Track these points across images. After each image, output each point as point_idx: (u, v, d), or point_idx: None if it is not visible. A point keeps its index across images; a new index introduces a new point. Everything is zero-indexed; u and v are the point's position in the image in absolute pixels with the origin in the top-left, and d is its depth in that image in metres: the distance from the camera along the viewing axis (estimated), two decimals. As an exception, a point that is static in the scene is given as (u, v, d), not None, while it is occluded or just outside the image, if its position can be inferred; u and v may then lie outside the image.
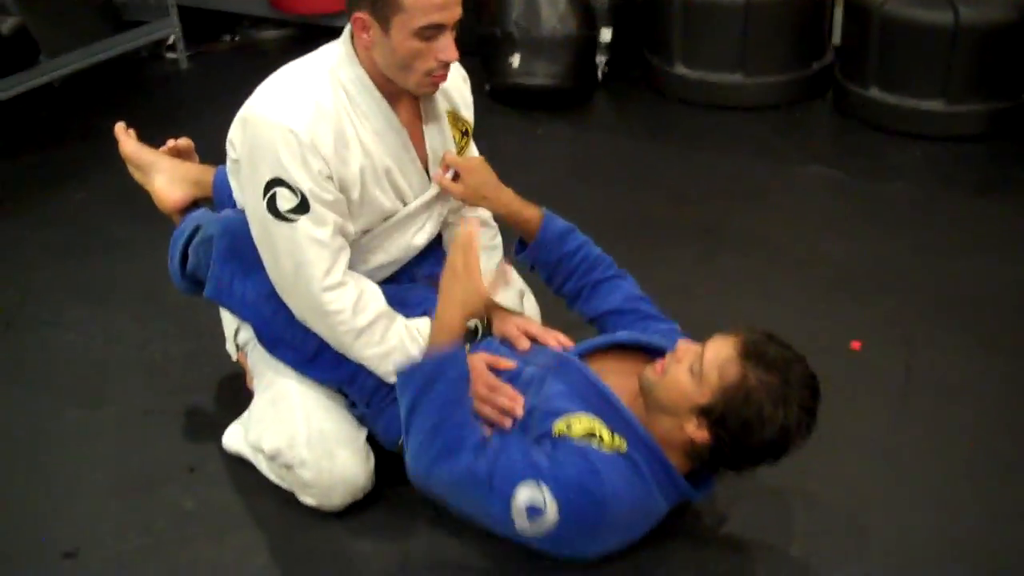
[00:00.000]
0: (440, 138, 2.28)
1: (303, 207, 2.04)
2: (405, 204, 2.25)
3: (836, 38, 4.21)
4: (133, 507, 2.32)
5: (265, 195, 2.04)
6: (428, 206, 2.30)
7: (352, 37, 2.11)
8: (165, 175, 2.58)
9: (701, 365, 1.97)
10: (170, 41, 4.70)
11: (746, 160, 3.77)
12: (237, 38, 4.98)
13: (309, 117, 2.03)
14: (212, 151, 2.55)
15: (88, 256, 3.27)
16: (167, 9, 4.61)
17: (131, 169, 2.64)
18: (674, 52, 4.15)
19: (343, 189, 2.09)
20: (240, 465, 2.39)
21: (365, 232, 2.21)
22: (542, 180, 3.62)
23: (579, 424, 2.05)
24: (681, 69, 4.16)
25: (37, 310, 3.02)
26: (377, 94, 2.12)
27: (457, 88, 2.31)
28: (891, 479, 2.35)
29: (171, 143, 2.65)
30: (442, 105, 2.27)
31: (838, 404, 2.52)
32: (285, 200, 2.04)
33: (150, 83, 4.60)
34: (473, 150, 2.42)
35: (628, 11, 4.34)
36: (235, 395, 2.56)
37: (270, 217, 2.05)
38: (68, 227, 3.45)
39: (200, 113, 4.10)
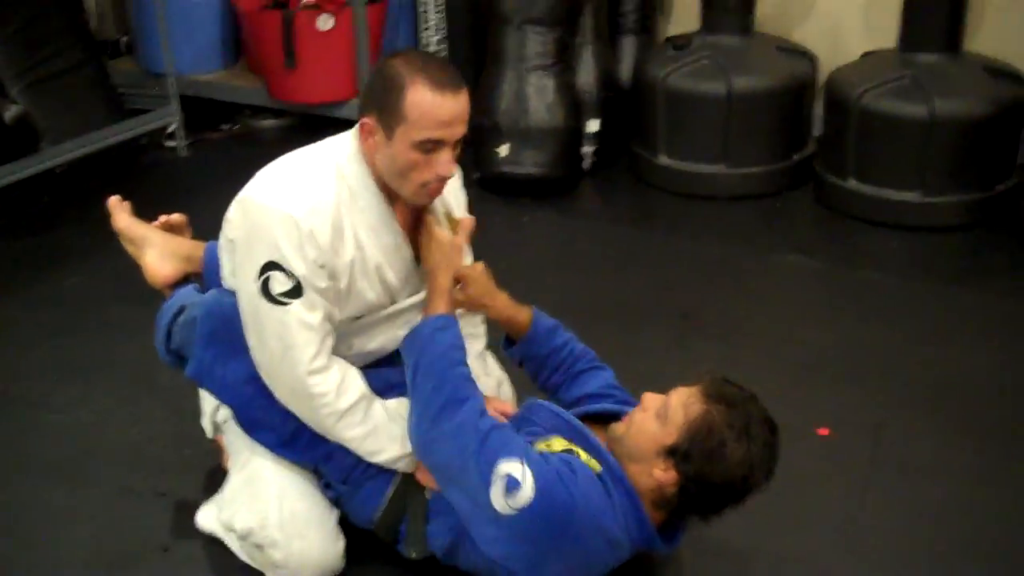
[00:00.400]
0: None
1: (296, 292, 2.09)
2: (394, 301, 2.29)
3: (817, 130, 4.32)
4: (107, 586, 2.36)
5: (260, 277, 2.09)
6: (418, 306, 2.33)
7: None
8: (156, 250, 2.62)
9: (667, 409, 2.08)
10: (170, 129, 4.82)
11: (726, 248, 3.85)
12: (236, 127, 5.11)
13: (310, 207, 2.08)
14: (208, 236, 2.62)
15: (80, 337, 3.34)
16: (168, 98, 4.75)
17: (124, 242, 2.68)
18: (658, 143, 4.26)
19: (332, 277, 2.14)
20: (213, 545, 2.42)
21: (354, 320, 2.26)
22: (526, 265, 3.71)
23: (558, 444, 2.16)
24: (665, 159, 4.26)
25: (27, 390, 3.08)
26: (378, 193, 2.16)
27: (452, 188, 2.35)
28: (851, 559, 2.40)
29: (164, 218, 2.69)
30: (438, 207, 2.31)
31: (803, 487, 2.60)
32: (279, 284, 2.09)
33: (149, 170, 4.71)
34: (466, 249, 2.48)
35: (615, 103, 4.46)
36: (213, 477, 2.61)
37: (263, 299, 2.10)
38: (61, 308, 3.52)
39: (197, 199, 4.16)
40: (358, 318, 2.26)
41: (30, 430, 2.91)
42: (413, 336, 2.20)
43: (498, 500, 2.02)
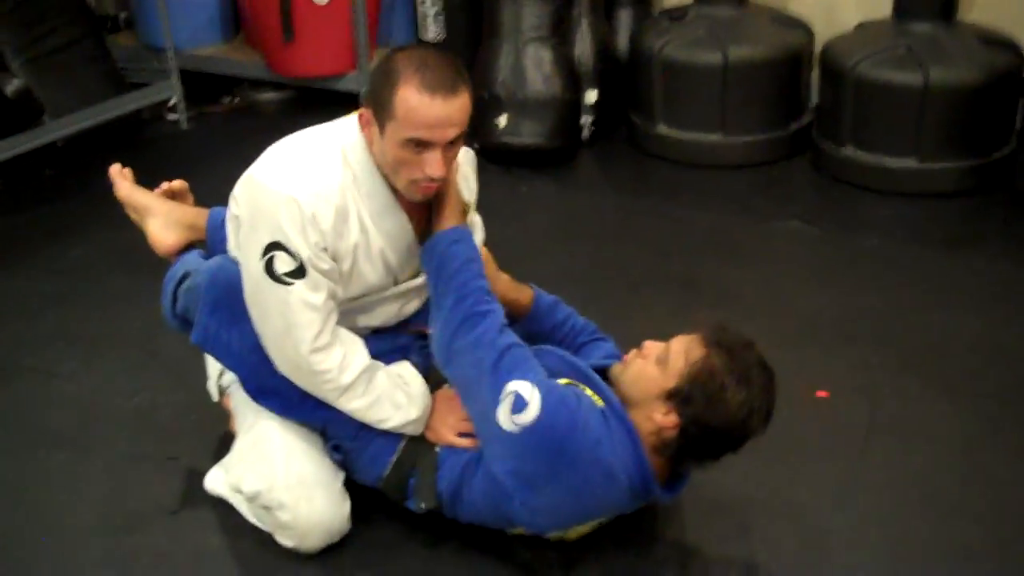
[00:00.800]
0: None
1: (300, 272, 2.11)
2: (397, 282, 2.32)
3: (814, 100, 4.34)
4: (114, 548, 2.40)
5: (263, 256, 2.11)
6: (421, 287, 2.36)
7: None
8: (160, 219, 2.64)
9: (667, 355, 2.14)
10: (172, 103, 4.85)
11: (724, 217, 3.89)
12: (237, 100, 5.13)
13: (314, 190, 2.10)
14: (210, 206, 2.66)
15: (84, 307, 3.38)
16: (169, 72, 4.77)
17: (128, 211, 2.70)
18: (656, 112, 4.28)
19: (335, 259, 2.16)
20: (221, 507, 2.47)
21: (355, 299, 2.29)
22: (525, 235, 3.75)
23: (563, 382, 2.20)
24: (663, 129, 4.29)
25: (32, 359, 3.12)
26: (381, 179, 2.17)
27: (462, 171, 2.36)
28: (845, 516, 2.45)
29: (165, 185, 2.71)
30: None
31: (801, 448, 2.65)
32: (283, 263, 2.10)
33: (151, 143, 4.74)
34: (477, 223, 2.50)
35: (613, 73, 4.49)
36: (220, 442, 2.65)
37: (266, 278, 2.12)
38: (65, 279, 3.56)
39: (199, 171, 4.14)
40: (359, 297, 2.29)
41: (37, 398, 2.95)
42: (430, 250, 2.21)
43: (504, 417, 2.07)
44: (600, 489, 2.15)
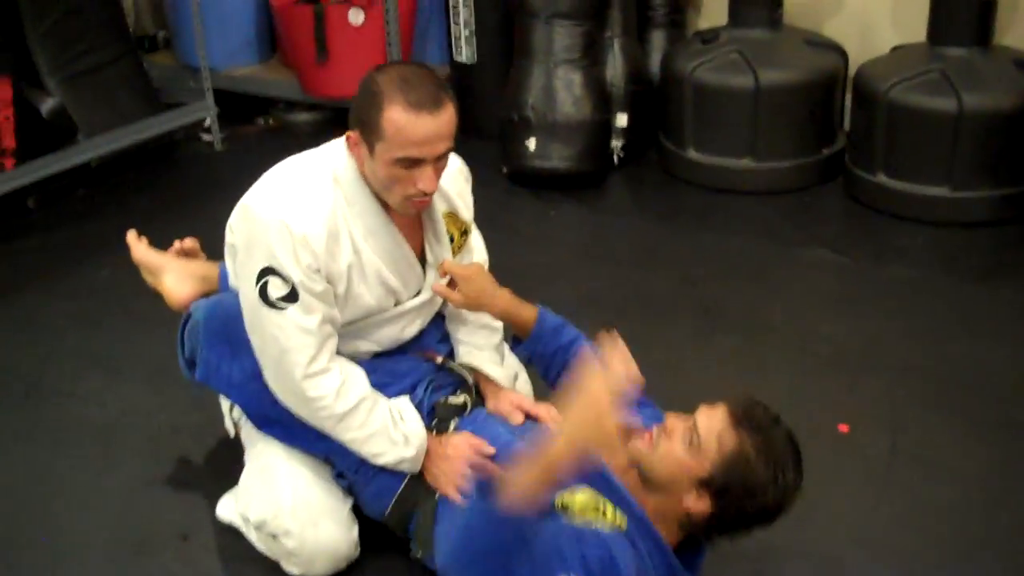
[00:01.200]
0: (436, 239, 2.33)
1: (292, 296, 2.11)
2: (398, 303, 2.31)
3: (848, 124, 4.29)
4: (125, 571, 2.41)
5: (258, 282, 2.12)
6: (420, 307, 2.36)
7: None
8: (174, 274, 2.68)
9: (698, 437, 2.00)
10: (206, 123, 4.89)
11: (751, 243, 3.85)
12: (271, 120, 5.17)
13: (303, 213, 2.10)
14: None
15: (109, 329, 3.41)
16: (203, 92, 4.81)
17: (143, 273, 2.75)
18: (686, 136, 4.25)
19: (330, 282, 2.17)
20: (231, 534, 2.47)
21: (353, 323, 2.28)
22: (551, 259, 3.74)
23: (581, 496, 2.06)
24: (693, 154, 4.26)
25: (56, 378, 3.15)
26: (372, 199, 2.17)
27: (457, 188, 2.36)
28: (866, 555, 2.40)
29: (177, 244, 2.76)
30: (439, 207, 2.31)
31: (821, 483, 2.57)
32: (276, 288, 2.11)
33: (184, 163, 4.78)
34: (476, 240, 2.49)
35: (644, 96, 4.46)
36: (235, 467, 2.64)
37: (261, 304, 2.13)
38: (92, 299, 3.60)
39: (231, 192, 4.10)
40: (358, 320, 2.28)
41: (59, 418, 2.98)
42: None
43: None
44: None
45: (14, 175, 4.03)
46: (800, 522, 2.45)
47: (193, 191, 4.42)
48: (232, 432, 2.58)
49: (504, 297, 2.35)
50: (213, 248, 2.63)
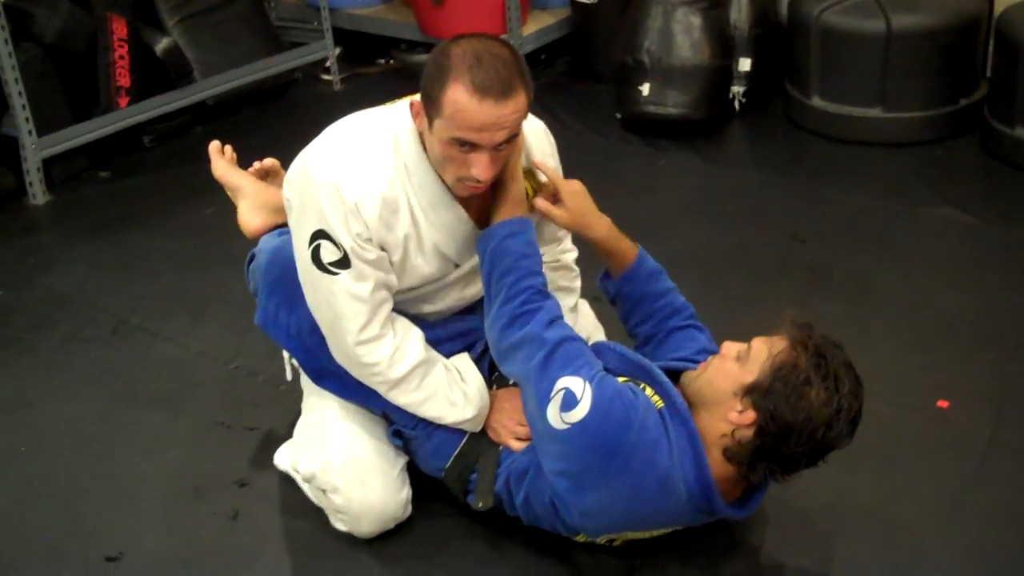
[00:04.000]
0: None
1: (345, 262, 2.03)
2: (458, 266, 2.21)
3: (990, 72, 3.96)
4: (181, 515, 2.42)
5: (311, 244, 2.05)
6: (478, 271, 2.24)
7: None
8: (248, 201, 2.63)
9: (748, 351, 1.97)
10: (327, 64, 4.86)
11: (873, 199, 3.60)
12: (391, 61, 5.11)
13: (359, 180, 2.01)
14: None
15: (202, 269, 3.43)
16: (323, 32, 4.79)
17: (226, 190, 2.72)
18: (811, 84, 4.00)
19: (384, 249, 2.08)
20: (287, 483, 2.45)
21: (412, 289, 2.20)
22: (654, 211, 3.58)
23: (621, 380, 2.07)
24: (818, 101, 4.01)
25: (144, 317, 3.19)
26: (432, 171, 2.06)
27: (541, 149, 2.23)
28: (951, 543, 2.22)
29: (257, 164, 2.69)
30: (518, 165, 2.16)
31: (911, 461, 2.43)
32: (328, 253, 2.04)
33: (302, 103, 4.77)
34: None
35: (771, 40, 4.22)
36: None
37: (313, 267, 2.06)
38: (192, 239, 3.62)
39: None
40: (417, 288, 2.20)
41: (140, 358, 3.01)
42: (484, 241, 2.10)
43: (554, 414, 1.97)
44: (654, 495, 1.99)
45: (129, 112, 4.09)
46: (878, 502, 2.32)
47: (311, 131, 4.28)
48: (290, 376, 2.54)
49: (607, 223, 2.25)
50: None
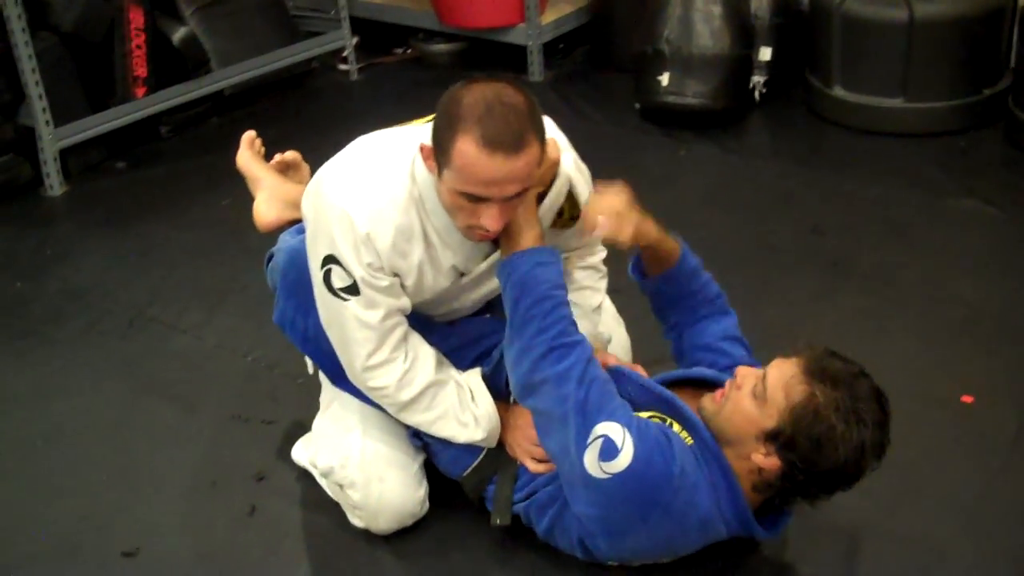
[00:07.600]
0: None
1: (354, 289, 2.00)
2: (464, 274, 2.14)
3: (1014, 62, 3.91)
4: (199, 509, 2.42)
5: (322, 268, 2.02)
6: (490, 270, 2.16)
7: None
8: (265, 193, 2.62)
9: (764, 387, 1.91)
10: (344, 53, 4.84)
11: (895, 191, 3.55)
12: (408, 51, 5.08)
13: (372, 208, 1.96)
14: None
15: (219, 261, 3.42)
16: (340, 21, 4.76)
17: (247, 181, 2.70)
18: (832, 73, 3.95)
19: (397, 275, 2.04)
20: (306, 479, 2.44)
21: (426, 300, 2.16)
22: (674, 202, 3.52)
23: (646, 413, 2.04)
24: (839, 91, 3.96)
25: (161, 309, 3.18)
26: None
27: (581, 180, 2.13)
28: (973, 546, 2.19)
29: (278, 157, 2.68)
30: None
31: (933, 460, 2.39)
32: (339, 279, 2.01)
33: (320, 92, 4.74)
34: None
35: (792, 29, 4.18)
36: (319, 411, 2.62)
37: (324, 289, 2.04)
38: (210, 230, 3.61)
39: (365, 123, 4.09)
40: (431, 299, 2.16)
41: (158, 350, 3.00)
42: (510, 267, 2.01)
43: (591, 462, 1.92)
44: (695, 534, 2.00)
45: (146, 102, 4.07)
46: (900, 500, 2.29)
47: (328, 121, 4.38)
48: (311, 369, 2.53)
49: (651, 225, 2.16)
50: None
